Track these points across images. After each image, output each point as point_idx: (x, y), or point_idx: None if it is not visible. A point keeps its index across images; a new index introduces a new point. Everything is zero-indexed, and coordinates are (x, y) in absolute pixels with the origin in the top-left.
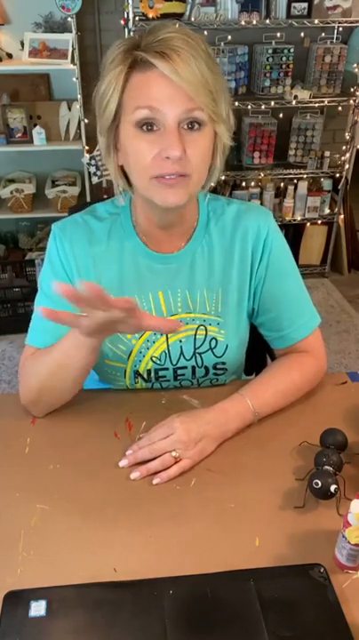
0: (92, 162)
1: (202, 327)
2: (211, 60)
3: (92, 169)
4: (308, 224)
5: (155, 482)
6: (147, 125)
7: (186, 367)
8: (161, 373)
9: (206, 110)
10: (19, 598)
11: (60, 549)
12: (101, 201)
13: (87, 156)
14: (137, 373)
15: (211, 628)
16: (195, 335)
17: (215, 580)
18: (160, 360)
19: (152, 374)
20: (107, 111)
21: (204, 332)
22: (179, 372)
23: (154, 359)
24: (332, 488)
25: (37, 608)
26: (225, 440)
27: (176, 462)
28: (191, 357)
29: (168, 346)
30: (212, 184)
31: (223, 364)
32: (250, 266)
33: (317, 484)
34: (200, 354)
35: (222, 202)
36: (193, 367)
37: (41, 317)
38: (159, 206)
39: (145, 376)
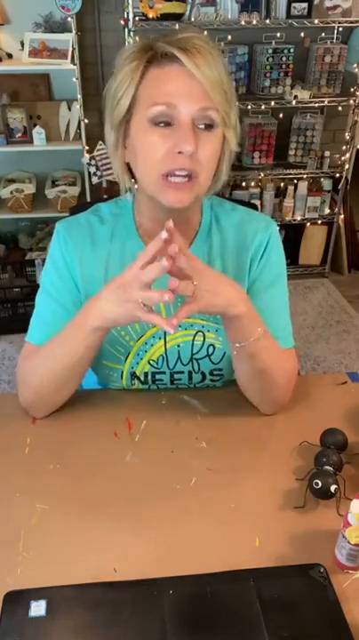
0: (92, 162)
1: (200, 333)
2: (225, 66)
3: (92, 169)
4: (308, 224)
5: (165, 297)
6: (163, 122)
7: (182, 372)
8: (158, 377)
9: (220, 111)
10: (19, 598)
11: (60, 549)
12: (102, 201)
13: (87, 156)
14: (133, 375)
15: (211, 628)
16: (193, 341)
17: (215, 580)
18: (157, 363)
19: (149, 377)
20: (119, 105)
21: (202, 339)
22: (176, 376)
23: (151, 362)
24: (332, 488)
25: (37, 608)
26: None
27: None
28: (188, 363)
29: (166, 350)
30: (216, 189)
31: (219, 370)
32: (247, 273)
33: (317, 484)
34: (197, 360)
35: (226, 207)
36: (189, 372)
37: (41, 315)
38: (164, 206)
39: (142, 378)
